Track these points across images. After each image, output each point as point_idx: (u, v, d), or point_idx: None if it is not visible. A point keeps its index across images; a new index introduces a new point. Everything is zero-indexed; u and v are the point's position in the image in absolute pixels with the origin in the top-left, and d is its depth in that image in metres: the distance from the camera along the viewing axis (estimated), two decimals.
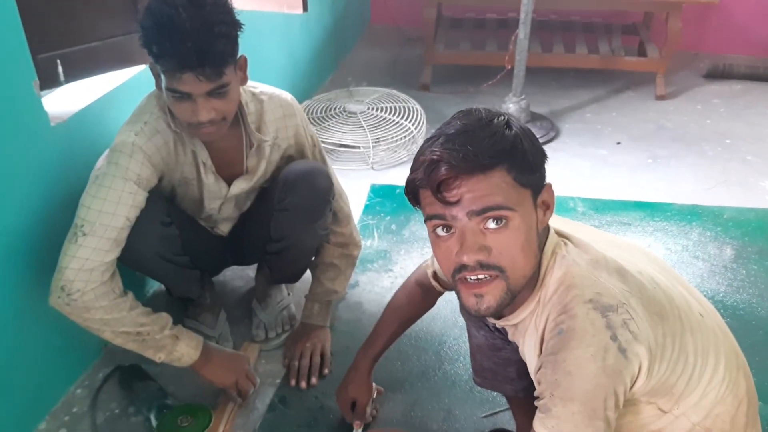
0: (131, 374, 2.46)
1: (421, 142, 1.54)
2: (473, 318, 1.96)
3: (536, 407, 1.47)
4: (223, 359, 2.38)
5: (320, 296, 2.66)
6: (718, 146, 4.28)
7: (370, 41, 6.01)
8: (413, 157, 1.50)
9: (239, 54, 2.09)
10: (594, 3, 5.26)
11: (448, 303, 2.64)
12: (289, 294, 2.86)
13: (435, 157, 1.40)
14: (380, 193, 3.69)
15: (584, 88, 5.11)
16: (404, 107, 4.31)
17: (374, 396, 2.34)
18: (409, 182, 1.49)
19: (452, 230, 1.44)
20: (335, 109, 4.31)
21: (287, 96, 2.44)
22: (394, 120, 4.16)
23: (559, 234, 1.61)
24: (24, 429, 2.31)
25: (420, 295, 2.15)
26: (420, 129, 4.11)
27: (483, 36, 5.28)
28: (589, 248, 1.56)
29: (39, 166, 2.20)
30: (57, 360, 2.41)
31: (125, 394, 2.43)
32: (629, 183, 3.86)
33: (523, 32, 4.13)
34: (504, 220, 1.41)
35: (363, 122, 4.12)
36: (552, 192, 1.53)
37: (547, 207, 1.52)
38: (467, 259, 1.41)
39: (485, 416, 2.38)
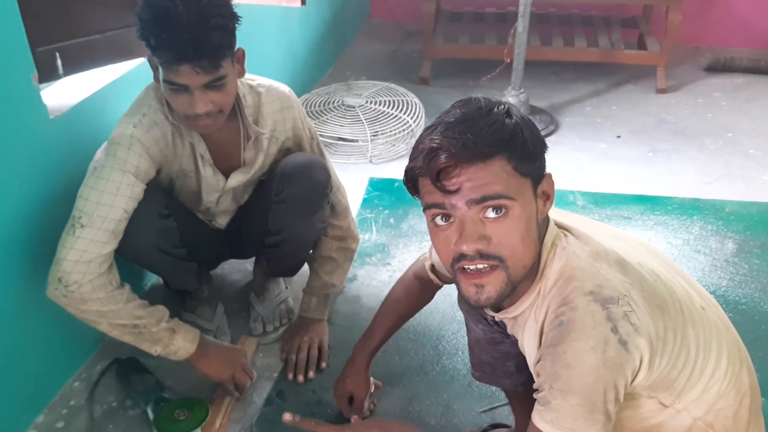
0: (129, 367, 2.47)
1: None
2: (471, 311, 1.95)
3: (535, 400, 1.46)
4: (219, 353, 2.38)
5: (318, 290, 2.67)
6: (720, 140, 4.28)
7: (369, 35, 6.01)
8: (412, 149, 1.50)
9: (237, 47, 2.10)
10: None
11: (446, 297, 2.65)
12: (287, 287, 2.87)
13: (434, 145, 1.39)
14: (379, 187, 3.70)
15: (584, 82, 5.11)
16: (403, 101, 4.32)
17: (372, 390, 2.34)
18: (408, 171, 1.49)
19: (451, 219, 1.43)
20: (334, 102, 4.31)
21: (285, 88, 2.44)
22: (392, 114, 4.17)
23: (559, 226, 1.60)
24: (22, 422, 2.31)
25: (418, 289, 2.15)
26: (418, 123, 4.12)
27: (482, 30, 5.28)
28: (589, 240, 1.56)
29: (38, 159, 2.22)
30: (55, 353, 2.42)
31: (123, 387, 2.44)
32: (629, 177, 3.86)
33: (522, 25, 4.14)
34: (504, 210, 1.40)
35: (361, 116, 4.13)
36: (552, 182, 1.52)
37: (548, 197, 1.51)
38: (466, 248, 1.40)
39: (484, 411, 2.38)
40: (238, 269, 3.07)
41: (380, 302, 2.23)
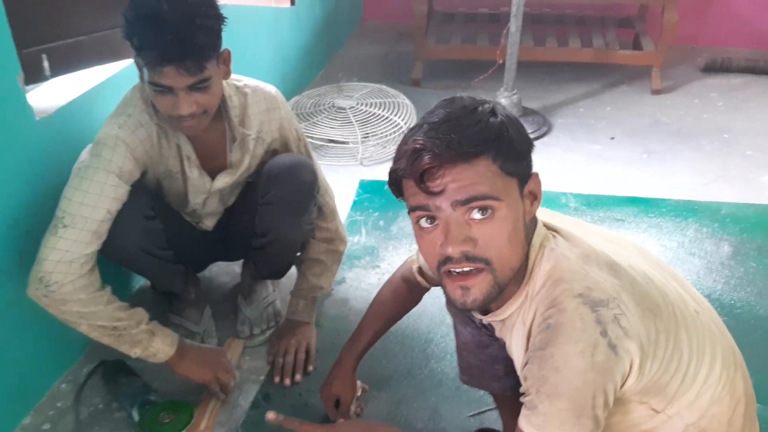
0: (115, 369, 2.49)
1: None
2: (460, 314, 1.95)
3: (522, 404, 1.46)
4: (199, 355, 2.39)
5: (306, 292, 2.68)
6: (716, 141, 4.28)
7: (361, 37, 6.03)
8: None
9: (222, 47, 2.12)
10: None
11: (435, 300, 2.65)
12: (274, 290, 2.88)
13: (418, 145, 1.38)
14: (369, 189, 3.71)
15: (578, 83, 5.12)
16: (394, 102, 4.34)
17: (359, 394, 2.35)
18: (392, 172, 1.48)
19: (436, 221, 1.42)
20: (324, 104, 4.33)
21: (271, 89, 2.46)
22: (383, 115, 4.19)
23: (548, 227, 1.59)
24: (9, 423, 2.33)
25: (405, 291, 2.16)
26: (410, 125, 4.09)
27: (475, 30, 5.30)
28: (579, 241, 1.55)
29: (23, 161, 2.24)
30: (42, 354, 2.44)
31: (109, 389, 2.46)
32: (623, 178, 3.87)
33: (514, 25, 4.16)
34: (490, 210, 1.39)
35: (352, 118, 4.14)
36: (539, 181, 1.51)
37: (535, 197, 1.50)
38: (452, 250, 1.40)
39: (472, 415, 2.39)
40: (226, 271, 3.08)
41: (369, 305, 2.24)
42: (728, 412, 1.60)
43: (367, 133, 4.05)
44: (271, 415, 1.73)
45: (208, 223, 2.65)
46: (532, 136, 1.52)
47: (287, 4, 3.15)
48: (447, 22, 5.51)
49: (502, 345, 1.76)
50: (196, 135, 2.27)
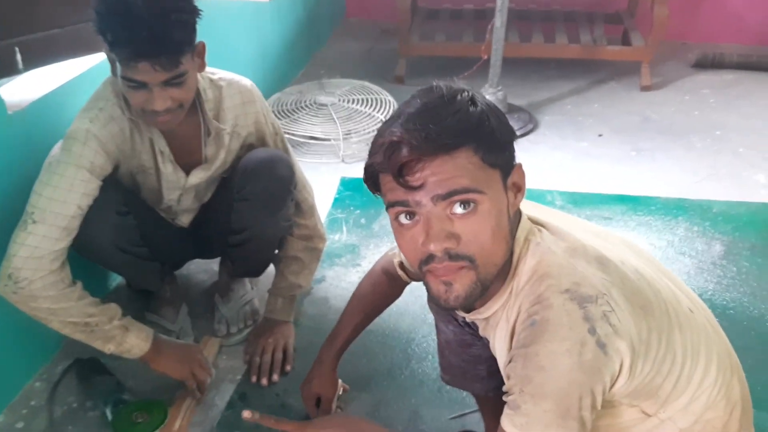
0: (89, 368, 2.49)
1: None
2: (442, 311, 1.94)
3: (505, 402, 1.42)
4: (174, 351, 2.40)
5: (284, 291, 2.68)
6: (708, 138, 4.29)
7: (345, 34, 6.04)
8: None
9: (199, 41, 2.12)
10: None
11: (417, 299, 2.67)
12: (252, 288, 2.89)
13: (395, 138, 1.34)
14: (350, 187, 3.72)
15: (565, 79, 5.13)
16: (376, 99, 4.36)
17: (340, 393, 2.35)
18: (368, 167, 1.44)
19: (416, 217, 1.38)
20: (306, 101, 4.34)
21: (247, 82, 2.46)
22: (366, 112, 4.21)
23: (534, 221, 1.55)
24: None
25: (386, 284, 2.13)
26: None
27: (459, 27, 5.32)
28: (566, 235, 1.51)
29: None
30: (16, 352, 2.45)
31: (82, 387, 2.46)
32: (611, 176, 3.87)
33: (499, 20, 4.17)
34: (472, 204, 1.35)
35: (334, 114, 4.16)
36: (523, 173, 1.47)
37: (518, 189, 1.46)
38: (434, 248, 1.36)
39: (453, 418, 2.38)
40: (204, 269, 3.08)
41: (348, 300, 2.23)
42: (724, 418, 1.57)
43: (349, 130, 4.06)
44: (246, 414, 1.71)
45: (184, 220, 2.65)
46: (517, 133, 1.49)
47: None
48: (431, 18, 5.52)
49: (485, 344, 1.75)
50: (170, 129, 2.27)
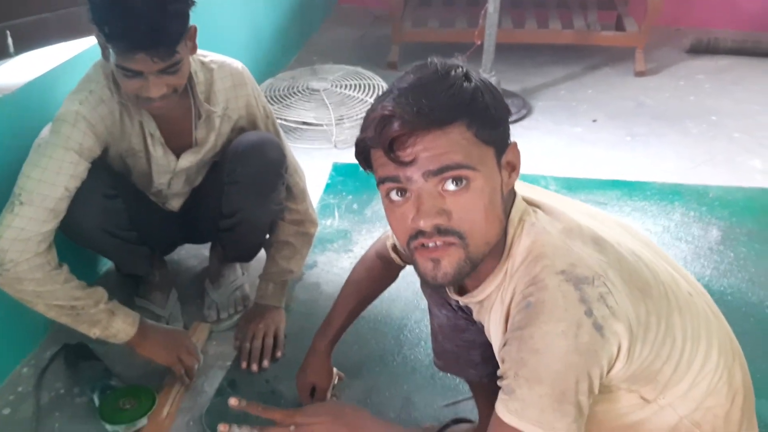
0: (77, 353, 2.47)
1: None
2: (435, 295, 1.90)
3: (499, 388, 1.38)
4: (161, 336, 2.38)
5: (275, 276, 2.66)
6: (703, 123, 4.28)
7: (337, 21, 6.03)
8: None
9: (191, 24, 2.10)
10: None
11: (409, 284, 2.65)
12: (243, 274, 2.87)
13: (387, 112, 1.32)
14: (343, 172, 3.70)
15: (559, 65, 5.13)
16: (369, 84, 4.34)
17: (335, 381, 2.32)
18: (359, 142, 1.43)
19: (407, 194, 1.36)
20: (298, 86, 4.32)
21: (238, 65, 2.43)
22: (358, 97, 4.19)
23: (528, 201, 1.52)
24: None
25: (380, 268, 2.11)
26: None
27: (453, 13, 5.29)
28: (561, 216, 1.48)
29: None
30: (4, 338, 2.43)
31: (70, 373, 2.44)
32: (606, 161, 3.86)
33: (492, 6, 4.13)
34: (464, 181, 1.33)
35: (326, 100, 4.14)
36: (518, 152, 1.45)
37: (513, 168, 1.44)
38: (424, 224, 1.33)
39: (446, 405, 2.35)
40: (194, 255, 3.07)
41: (342, 286, 2.20)
42: (725, 405, 1.53)
43: (341, 116, 4.04)
44: (233, 401, 1.69)
45: (174, 204, 2.63)
46: (511, 119, 1.47)
47: None
48: (424, 4, 5.49)
49: (479, 329, 1.72)
50: (162, 113, 2.25)
